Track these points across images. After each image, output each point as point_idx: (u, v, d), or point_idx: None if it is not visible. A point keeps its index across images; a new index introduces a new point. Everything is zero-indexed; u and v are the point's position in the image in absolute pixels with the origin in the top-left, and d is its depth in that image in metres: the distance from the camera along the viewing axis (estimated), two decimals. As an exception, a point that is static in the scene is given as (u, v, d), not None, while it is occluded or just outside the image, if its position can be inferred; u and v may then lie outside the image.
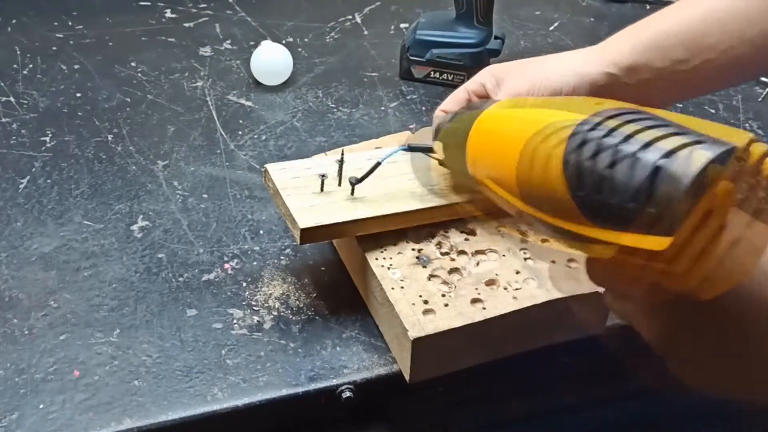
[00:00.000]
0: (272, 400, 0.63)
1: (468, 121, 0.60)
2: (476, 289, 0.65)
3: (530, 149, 0.48)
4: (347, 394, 0.64)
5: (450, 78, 1.02)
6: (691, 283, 0.43)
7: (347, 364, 0.66)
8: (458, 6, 0.99)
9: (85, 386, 0.63)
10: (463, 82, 1.01)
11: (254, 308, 0.70)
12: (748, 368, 0.48)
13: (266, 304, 0.70)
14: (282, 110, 0.96)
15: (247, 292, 0.71)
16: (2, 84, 0.96)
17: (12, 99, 0.94)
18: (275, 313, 0.70)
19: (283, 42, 1.07)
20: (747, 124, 1.00)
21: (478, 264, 0.67)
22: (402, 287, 0.64)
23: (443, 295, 0.64)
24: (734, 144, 0.41)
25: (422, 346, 0.61)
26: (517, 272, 0.67)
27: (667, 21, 0.71)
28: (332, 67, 1.04)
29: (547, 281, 0.66)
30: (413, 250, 0.68)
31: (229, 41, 1.08)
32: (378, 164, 0.68)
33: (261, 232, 0.78)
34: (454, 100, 0.73)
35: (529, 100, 0.57)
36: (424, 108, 0.98)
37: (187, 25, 1.11)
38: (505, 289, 0.65)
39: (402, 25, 1.15)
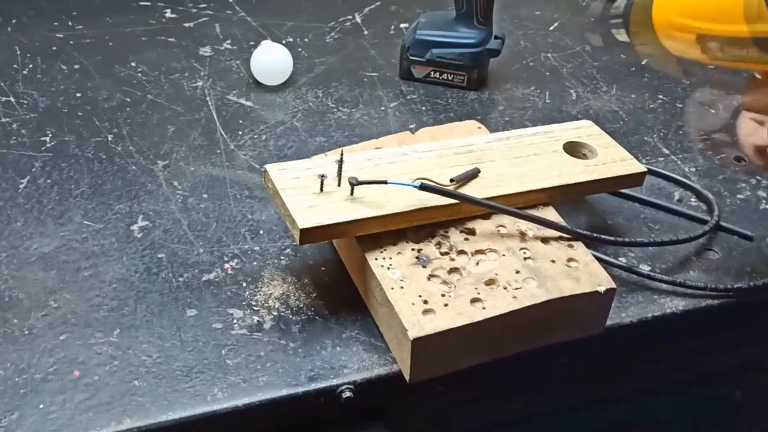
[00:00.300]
0: (272, 400, 0.63)
1: None
2: (476, 288, 0.65)
3: None
4: (347, 394, 0.64)
5: (450, 78, 1.01)
6: None
7: (347, 364, 0.66)
8: (458, 6, 0.99)
9: (85, 386, 0.63)
10: (462, 82, 1.02)
11: (254, 308, 0.70)
12: None
13: (266, 304, 0.70)
14: (282, 110, 0.96)
15: (247, 292, 0.71)
16: (2, 84, 0.96)
17: (12, 99, 0.94)
18: (275, 313, 0.70)
19: (283, 42, 1.07)
20: None
21: (477, 264, 0.67)
22: (402, 287, 0.64)
23: (443, 295, 0.64)
24: None
25: (422, 346, 0.61)
26: (517, 272, 0.67)
27: None
28: (332, 67, 1.04)
29: (547, 281, 0.66)
30: (413, 250, 0.68)
31: (229, 41, 1.08)
32: (385, 182, 0.68)
33: (261, 232, 0.78)
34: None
35: None
36: (424, 108, 0.98)
37: (187, 25, 1.11)
38: (505, 288, 0.65)
39: (402, 25, 1.15)
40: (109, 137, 0.89)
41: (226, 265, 0.74)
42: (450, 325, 0.62)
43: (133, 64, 1.02)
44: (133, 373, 0.64)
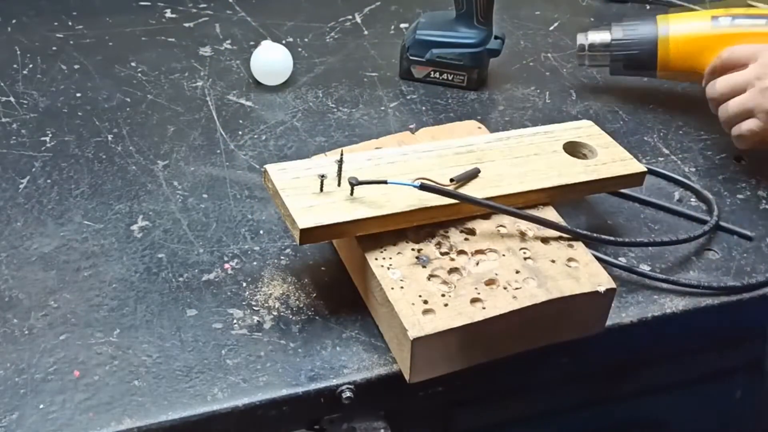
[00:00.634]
0: (272, 400, 0.63)
1: None
2: (476, 288, 0.65)
3: None
4: (347, 394, 0.64)
5: (450, 78, 1.02)
6: None
7: (347, 364, 0.66)
8: (458, 6, 0.99)
9: (85, 386, 0.63)
10: (463, 82, 1.02)
11: (254, 308, 0.70)
12: None
13: (266, 304, 0.70)
14: (282, 110, 0.96)
15: (247, 292, 0.71)
16: (2, 84, 0.96)
17: (12, 99, 0.94)
18: (275, 313, 0.70)
19: (283, 42, 1.07)
20: None
21: (477, 264, 0.67)
22: (402, 287, 0.64)
23: (443, 295, 0.64)
24: None
25: (422, 346, 0.61)
26: (517, 272, 0.67)
27: None
28: (332, 67, 1.04)
29: (547, 281, 0.66)
30: (413, 250, 0.68)
31: (229, 41, 1.08)
32: (384, 182, 0.68)
33: (261, 232, 0.78)
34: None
35: None
36: (424, 108, 0.98)
37: (187, 25, 1.11)
38: (505, 288, 0.65)
39: (402, 25, 1.15)
40: (109, 137, 0.89)
41: (226, 265, 0.74)
42: (450, 325, 0.62)
43: (133, 64, 1.02)
44: (133, 373, 0.64)
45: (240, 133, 0.91)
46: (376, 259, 0.67)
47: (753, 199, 0.87)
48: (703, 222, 0.82)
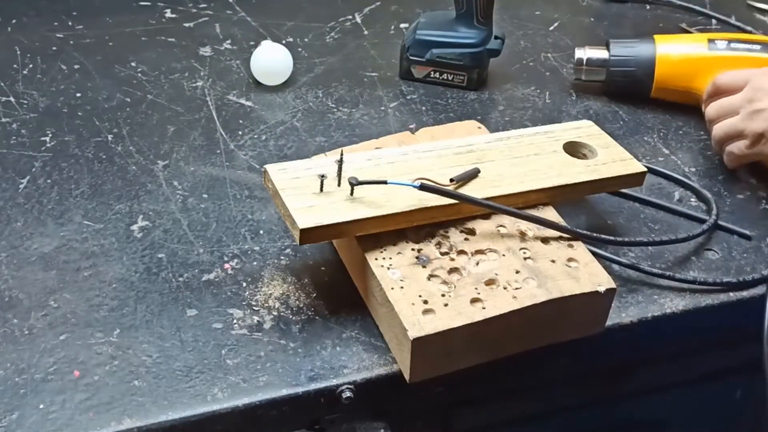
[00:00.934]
0: (272, 400, 0.63)
1: None
2: (476, 288, 0.65)
3: None
4: (347, 394, 0.64)
5: (450, 78, 1.01)
6: None
7: (347, 364, 0.66)
8: (458, 6, 0.99)
9: (85, 386, 0.63)
10: (463, 82, 1.02)
11: (254, 308, 0.70)
12: None
13: (266, 304, 0.70)
14: (282, 110, 0.96)
15: (247, 292, 0.71)
16: (2, 84, 0.96)
17: (12, 99, 0.94)
18: (275, 313, 0.70)
19: (283, 42, 1.07)
20: None
21: (477, 264, 0.67)
22: (402, 287, 0.64)
23: (443, 295, 0.64)
24: None
25: (422, 346, 0.61)
26: (517, 272, 0.67)
27: None
28: (332, 67, 1.04)
29: (547, 281, 0.66)
30: (413, 250, 0.68)
31: (229, 41, 1.08)
32: (384, 182, 0.68)
33: (261, 232, 0.78)
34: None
35: None
36: (424, 108, 0.98)
37: (187, 25, 1.11)
38: (505, 288, 0.65)
39: (402, 25, 1.15)
40: (109, 137, 0.89)
41: (226, 265, 0.74)
42: (450, 325, 0.62)
43: (133, 64, 1.02)
44: (133, 373, 0.64)
45: (240, 133, 0.91)
46: (376, 259, 0.67)
47: (753, 199, 0.87)
48: (703, 221, 0.82)
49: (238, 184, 0.84)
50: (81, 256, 0.74)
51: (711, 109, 0.89)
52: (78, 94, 0.96)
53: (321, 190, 0.69)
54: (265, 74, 0.99)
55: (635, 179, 0.78)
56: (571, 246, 0.70)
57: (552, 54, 1.11)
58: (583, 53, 1.01)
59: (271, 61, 0.99)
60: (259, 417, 0.63)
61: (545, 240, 0.70)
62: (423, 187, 0.67)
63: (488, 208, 0.71)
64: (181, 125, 0.92)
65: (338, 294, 0.72)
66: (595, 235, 0.73)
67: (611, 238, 0.76)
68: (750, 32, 1.17)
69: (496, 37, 1.01)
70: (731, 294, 0.76)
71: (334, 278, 0.73)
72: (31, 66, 1.00)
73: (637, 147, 0.93)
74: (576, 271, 0.67)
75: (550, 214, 0.73)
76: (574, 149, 0.80)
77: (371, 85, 1.01)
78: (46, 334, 0.67)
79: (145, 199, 0.81)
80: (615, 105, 1.01)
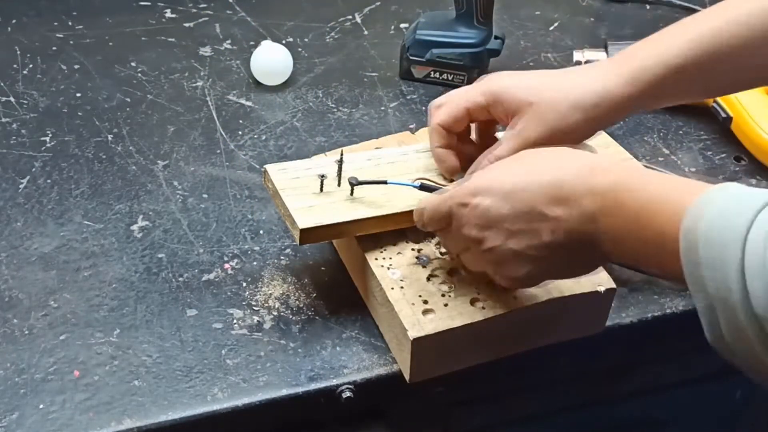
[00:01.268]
0: (272, 400, 0.63)
1: None
2: (476, 288, 0.65)
3: None
4: (347, 394, 0.64)
5: (450, 78, 1.01)
6: None
7: (347, 364, 0.66)
8: (458, 6, 0.99)
9: (85, 386, 0.63)
10: (463, 82, 1.01)
11: (254, 308, 0.70)
12: None
13: (266, 304, 0.70)
14: (282, 110, 0.96)
15: (247, 292, 0.71)
16: (2, 84, 0.96)
17: (12, 99, 0.94)
18: (275, 313, 0.70)
19: (283, 42, 1.07)
20: None
21: (477, 264, 0.67)
22: (402, 287, 0.64)
23: (443, 295, 0.64)
24: None
25: (422, 346, 0.61)
26: (517, 272, 0.67)
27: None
28: (332, 67, 1.04)
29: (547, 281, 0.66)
30: (413, 250, 0.68)
31: (229, 41, 1.08)
32: (384, 182, 0.68)
33: (261, 232, 0.78)
34: (451, 114, 0.68)
35: None
36: (424, 108, 0.98)
37: (187, 25, 1.11)
38: (505, 288, 0.65)
39: (402, 25, 1.15)
40: (109, 137, 0.89)
41: (226, 265, 0.74)
42: (450, 325, 0.62)
43: (133, 64, 1.02)
44: (133, 373, 0.64)
45: (240, 133, 0.91)
46: (376, 259, 0.67)
47: (753, 199, 0.87)
48: (703, 222, 0.82)
49: (238, 184, 0.84)
50: (81, 256, 0.74)
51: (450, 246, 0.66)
52: (78, 94, 0.96)
53: (321, 190, 0.69)
54: (265, 74, 0.99)
55: (635, 179, 0.78)
56: (571, 246, 0.70)
57: (552, 54, 1.11)
58: (581, 56, 1.01)
59: (271, 61, 0.99)
60: (259, 417, 0.63)
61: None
62: (423, 187, 0.67)
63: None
64: (181, 125, 0.92)
65: (338, 294, 0.72)
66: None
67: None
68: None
69: (496, 37, 1.01)
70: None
71: (334, 278, 0.73)
72: (31, 66, 1.00)
73: (637, 147, 0.93)
74: (576, 271, 0.67)
75: (550, 214, 0.73)
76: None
77: (371, 85, 1.01)
78: (46, 334, 0.67)
79: (145, 199, 0.81)
80: (615, 105, 1.01)
